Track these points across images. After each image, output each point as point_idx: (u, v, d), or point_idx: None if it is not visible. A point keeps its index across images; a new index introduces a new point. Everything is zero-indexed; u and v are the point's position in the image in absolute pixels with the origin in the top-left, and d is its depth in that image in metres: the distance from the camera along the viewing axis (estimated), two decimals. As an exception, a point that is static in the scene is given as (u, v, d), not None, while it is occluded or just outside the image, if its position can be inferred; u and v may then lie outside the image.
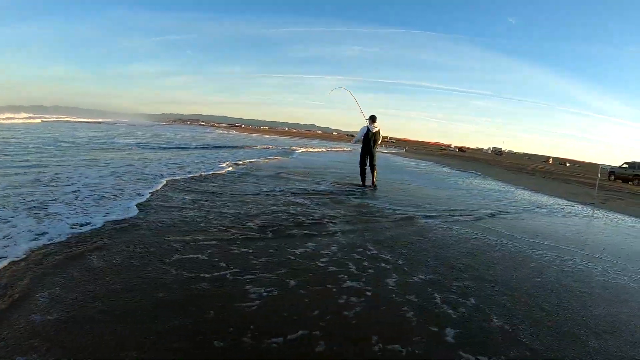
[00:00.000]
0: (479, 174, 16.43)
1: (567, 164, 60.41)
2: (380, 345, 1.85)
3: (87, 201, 4.25)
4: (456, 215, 5.50)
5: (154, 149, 13.58)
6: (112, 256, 2.69)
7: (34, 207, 3.80)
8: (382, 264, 3.06)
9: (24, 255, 2.56)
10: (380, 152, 26.74)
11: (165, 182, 5.93)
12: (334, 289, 2.47)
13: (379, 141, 7.99)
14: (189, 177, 6.76)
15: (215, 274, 2.55)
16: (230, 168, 8.98)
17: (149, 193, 4.92)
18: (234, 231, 3.58)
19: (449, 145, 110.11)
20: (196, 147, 16.43)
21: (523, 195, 9.67)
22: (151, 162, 8.78)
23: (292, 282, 2.52)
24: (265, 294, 2.31)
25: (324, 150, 26.01)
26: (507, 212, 6.37)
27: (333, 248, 3.35)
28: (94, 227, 3.34)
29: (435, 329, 2.05)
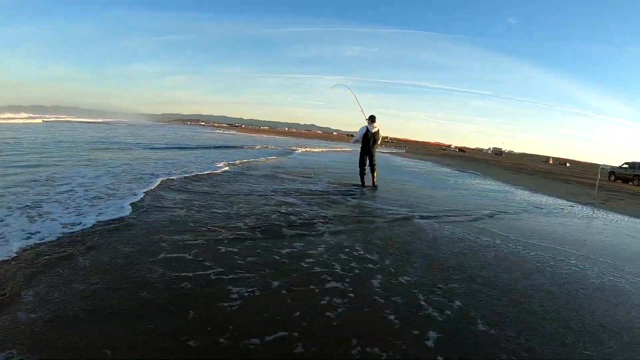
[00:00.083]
0: (478, 174, 16.38)
1: (567, 164, 60.31)
2: (359, 348, 1.83)
3: (81, 201, 4.26)
4: (453, 216, 5.46)
5: (153, 149, 13.58)
6: (99, 255, 2.70)
7: (28, 206, 3.82)
8: (369, 265, 3.02)
9: (15, 255, 2.57)
10: (380, 153, 26.73)
11: (160, 181, 5.95)
12: (317, 290, 2.44)
13: (379, 141, 7.97)
14: (184, 177, 6.77)
15: (199, 273, 2.54)
16: (227, 168, 8.99)
17: (143, 193, 4.94)
18: (222, 231, 3.57)
19: (449, 146, 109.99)
20: (195, 147, 16.43)
21: (522, 195, 9.62)
22: (149, 162, 8.79)
23: (275, 283, 2.49)
24: (247, 294, 2.29)
25: (324, 150, 25.97)
26: (505, 212, 6.33)
27: (320, 249, 3.32)
28: (85, 226, 3.35)
29: (417, 333, 2.01)
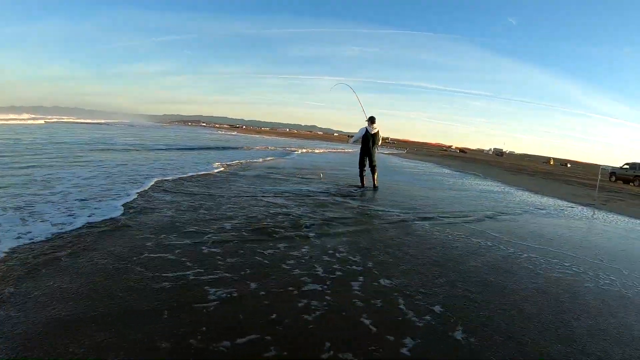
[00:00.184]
0: (479, 175, 16.31)
1: (568, 165, 60.16)
2: (331, 352, 1.78)
3: (74, 201, 4.28)
4: (451, 217, 5.39)
5: (152, 150, 13.63)
6: (82, 255, 2.71)
7: (21, 207, 3.86)
8: (352, 267, 2.95)
9: (4, 255, 2.60)
10: (381, 154, 26.65)
11: (154, 182, 5.97)
12: (295, 292, 2.39)
13: (379, 142, 7.93)
14: (179, 178, 6.79)
15: (179, 273, 2.53)
16: (222, 169, 9.00)
17: (136, 193, 4.96)
18: (208, 231, 3.56)
19: (450, 146, 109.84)
20: (194, 148, 16.48)
21: (522, 196, 9.55)
22: (146, 163, 8.82)
23: (254, 284, 2.46)
24: (224, 295, 2.27)
25: (324, 151, 25.94)
26: (504, 213, 6.26)
27: (304, 250, 3.26)
28: (74, 227, 3.37)
29: (392, 338, 1.94)
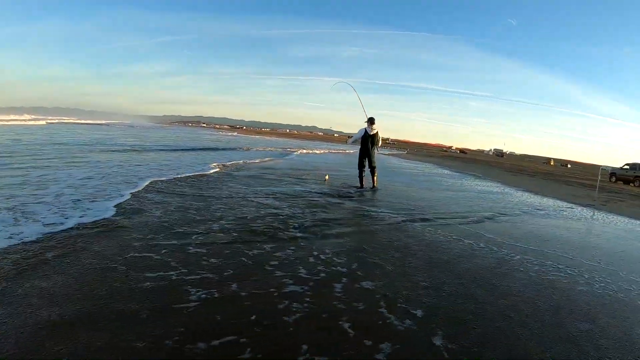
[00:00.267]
0: (479, 176, 16.25)
1: (569, 166, 60.04)
2: (307, 356, 1.75)
3: (68, 202, 4.29)
4: (448, 219, 5.32)
5: (151, 150, 13.63)
6: (69, 255, 2.71)
7: (14, 207, 3.88)
8: (337, 269, 2.90)
9: None
10: (381, 154, 26.60)
11: (148, 183, 5.96)
12: (276, 294, 2.36)
13: (379, 143, 7.91)
14: (174, 178, 6.78)
15: (162, 273, 2.52)
16: (218, 169, 8.99)
17: (130, 194, 4.96)
18: (197, 231, 3.56)
19: (450, 147, 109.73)
20: (194, 149, 16.45)
21: (522, 197, 9.49)
22: (143, 164, 8.82)
23: (235, 285, 2.43)
24: (204, 295, 2.25)
25: (323, 151, 25.89)
26: (502, 214, 6.20)
27: (289, 251, 3.22)
28: (65, 227, 3.38)
29: (370, 343, 1.89)
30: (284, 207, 4.99)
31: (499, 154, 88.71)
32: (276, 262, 2.92)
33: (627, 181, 21.88)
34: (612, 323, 2.41)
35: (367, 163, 7.80)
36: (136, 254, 2.83)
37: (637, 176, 21.25)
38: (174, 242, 3.21)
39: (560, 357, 1.95)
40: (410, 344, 1.91)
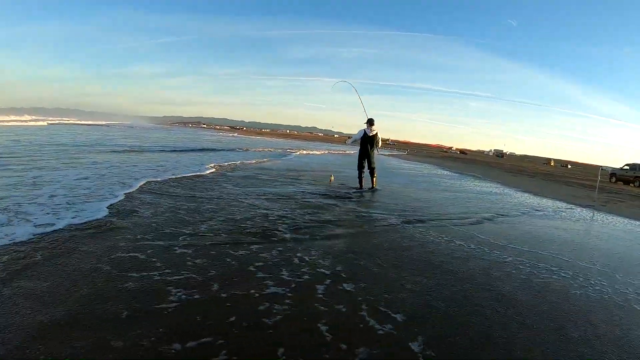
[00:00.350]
0: (478, 177, 16.19)
1: (569, 166, 59.96)
2: (284, 358, 1.73)
3: (62, 203, 4.27)
4: (441, 220, 5.25)
5: (149, 151, 13.59)
6: (56, 256, 2.71)
7: (7, 208, 3.87)
8: (321, 270, 2.85)
9: None
10: (382, 155, 26.56)
11: (143, 183, 5.95)
12: (257, 295, 2.34)
13: (380, 144, 7.89)
14: (168, 179, 6.76)
15: (145, 273, 2.52)
16: (214, 170, 8.97)
17: (124, 194, 4.95)
18: (185, 232, 3.55)
19: (450, 148, 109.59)
20: (193, 150, 16.43)
21: (521, 197, 9.44)
22: (140, 164, 8.80)
23: (217, 286, 2.42)
24: (185, 296, 2.24)
25: (323, 152, 25.86)
26: (500, 215, 6.15)
27: (274, 252, 3.18)
28: (55, 228, 3.38)
29: (345, 347, 1.85)
30: (275, 209, 4.93)
31: (499, 154, 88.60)
32: (260, 264, 2.89)
33: (627, 181, 21.85)
34: (605, 329, 2.33)
35: (366, 164, 7.76)
36: (122, 254, 2.83)
37: (637, 176, 21.21)
38: (161, 242, 3.20)
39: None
40: (387, 349, 1.86)
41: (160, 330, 1.85)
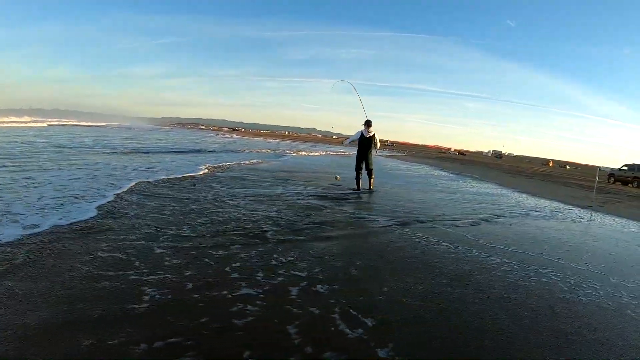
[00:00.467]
0: (476, 177, 16.16)
1: (568, 167, 59.98)
2: None
3: (51, 204, 4.25)
4: (434, 221, 5.19)
5: (146, 152, 13.53)
6: (40, 257, 2.69)
7: None
8: (297, 273, 2.80)
9: None
10: (380, 156, 26.49)
11: (134, 184, 5.93)
12: (230, 296, 2.31)
13: (378, 145, 7.81)
14: (160, 180, 6.71)
15: (120, 273, 2.50)
16: (207, 171, 8.93)
17: (114, 195, 4.94)
18: (169, 232, 3.54)
19: (448, 149, 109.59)
20: (190, 151, 16.35)
21: (518, 198, 9.41)
22: (135, 165, 8.77)
23: (190, 285, 2.40)
24: (158, 296, 2.21)
25: (321, 153, 25.79)
26: (497, 216, 6.12)
27: (253, 253, 3.15)
28: (42, 229, 3.36)
29: (311, 350, 1.81)
30: (263, 210, 4.85)
31: (498, 155, 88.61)
32: (238, 264, 2.86)
33: (625, 182, 21.85)
34: (592, 336, 2.24)
35: (364, 166, 7.69)
36: (102, 254, 2.81)
37: (635, 177, 21.21)
38: (141, 242, 3.20)
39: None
40: (353, 355, 1.81)
41: (130, 330, 1.82)
